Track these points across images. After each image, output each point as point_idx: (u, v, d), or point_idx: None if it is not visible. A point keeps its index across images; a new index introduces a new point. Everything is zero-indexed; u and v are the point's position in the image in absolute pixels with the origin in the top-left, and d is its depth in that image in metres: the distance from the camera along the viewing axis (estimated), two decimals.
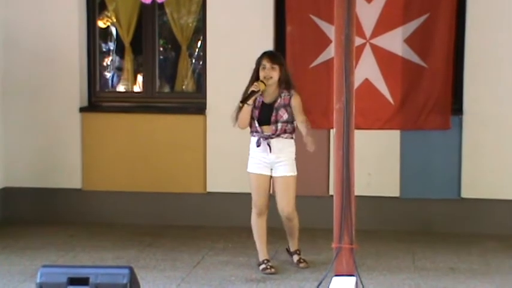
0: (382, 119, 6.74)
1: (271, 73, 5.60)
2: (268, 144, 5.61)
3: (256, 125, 5.63)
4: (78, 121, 7.22)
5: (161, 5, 7.00)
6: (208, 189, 7.12)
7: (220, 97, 7.01)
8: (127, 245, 6.38)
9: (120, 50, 7.89)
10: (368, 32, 6.66)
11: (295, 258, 5.86)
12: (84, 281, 3.72)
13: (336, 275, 4.65)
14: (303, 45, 6.80)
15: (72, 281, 3.72)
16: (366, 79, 6.69)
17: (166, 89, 7.80)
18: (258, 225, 5.75)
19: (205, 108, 7.08)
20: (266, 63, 5.61)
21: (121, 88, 8.05)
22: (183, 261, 5.97)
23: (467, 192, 6.73)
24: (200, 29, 7.29)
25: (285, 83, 5.66)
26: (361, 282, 4.67)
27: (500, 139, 6.70)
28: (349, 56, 4.56)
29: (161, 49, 7.79)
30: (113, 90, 8.11)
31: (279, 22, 6.94)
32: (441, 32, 6.55)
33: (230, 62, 6.95)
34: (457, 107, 6.72)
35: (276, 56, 5.71)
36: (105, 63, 8.20)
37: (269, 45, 6.93)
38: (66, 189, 7.23)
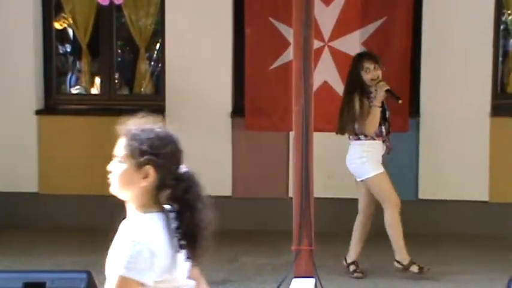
0: None
1: (377, 73, 5.50)
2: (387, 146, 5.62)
3: (383, 129, 5.56)
4: (35, 124, 7.12)
5: (119, 7, 6.94)
6: None
7: (180, 99, 6.98)
8: (86, 250, 6.30)
9: (77, 52, 7.80)
10: (326, 35, 6.69)
11: (415, 268, 5.52)
12: (41, 285, 3.65)
13: (296, 277, 4.66)
14: (262, 47, 6.81)
15: (28, 286, 3.65)
16: (325, 82, 6.72)
17: (125, 91, 7.74)
18: (400, 222, 5.57)
19: (164, 110, 7.04)
20: (369, 65, 5.50)
21: (78, 90, 7.96)
22: None
23: (424, 194, 6.80)
24: (159, 31, 7.25)
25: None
26: (321, 283, 4.69)
27: (457, 141, 6.78)
28: (308, 58, 4.59)
29: (119, 51, 7.72)
30: (70, 93, 8.01)
31: (238, 25, 6.94)
32: (397, 35, 6.62)
33: (189, 64, 6.92)
34: (414, 110, 6.78)
35: (375, 56, 5.60)
36: (61, 65, 8.10)
37: (228, 48, 6.93)
38: (23, 192, 7.12)
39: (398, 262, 5.53)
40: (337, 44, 6.70)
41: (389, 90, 5.44)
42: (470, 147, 6.72)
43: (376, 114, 5.45)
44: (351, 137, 5.59)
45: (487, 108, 6.71)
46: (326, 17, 6.65)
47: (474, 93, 6.65)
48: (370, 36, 6.67)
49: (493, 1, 6.64)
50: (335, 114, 6.73)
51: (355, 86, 5.52)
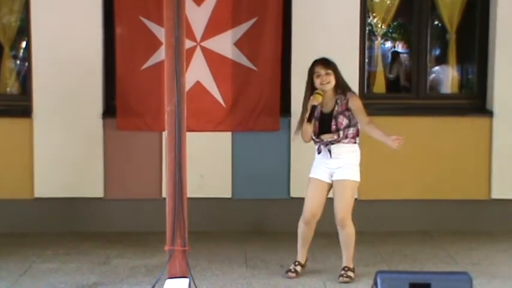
0: (214, 121, 6.81)
1: (328, 78, 5.43)
2: (329, 150, 5.45)
3: (314, 137, 5.49)
4: None
5: None
6: (36, 195, 6.87)
7: (47, 99, 6.80)
8: None
9: None
10: (198, 35, 6.70)
11: (340, 273, 5.52)
12: None
13: (170, 278, 4.65)
14: (133, 47, 6.74)
15: None
16: (198, 81, 6.74)
17: None
18: (302, 233, 5.57)
19: (31, 111, 6.83)
20: (320, 70, 5.44)
21: None
22: (9, 270, 5.71)
23: (296, 192, 6.93)
24: (24, 29, 7.01)
25: (341, 88, 5.48)
26: (194, 283, 4.70)
27: None
28: (180, 58, 4.59)
29: None
30: None
31: (108, 23, 6.82)
32: (268, 36, 6.72)
33: (57, 63, 6.75)
34: (285, 109, 6.90)
35: (328, 61, 5.50)
36: None
37: (98, 47, 6.80)
38: None
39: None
40: (210, 44, 6.73)
41: (313, 107, 5.42)
42: None
43: (304, 128, 5.47)
44: None
45: None
46: (198, 17, 6.66)
47: None
48: (242, 37, 6.73)
49: (358, 4, 6.87)
50: (208, 114, 6.79)
51: (306, 92, 5.54)
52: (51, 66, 6.76)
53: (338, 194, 5.45)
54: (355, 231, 5.50)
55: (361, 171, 5.52)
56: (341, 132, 5.45)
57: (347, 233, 5.48)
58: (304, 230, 5.59)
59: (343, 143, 5.46)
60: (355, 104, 5.46)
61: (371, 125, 5.40)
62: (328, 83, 5.46)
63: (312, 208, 5.53)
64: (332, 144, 5.46)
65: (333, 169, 5.48)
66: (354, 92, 5.55)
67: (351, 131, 5.47)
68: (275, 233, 6.78)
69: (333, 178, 5.48)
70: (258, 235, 6.82)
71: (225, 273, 5.71)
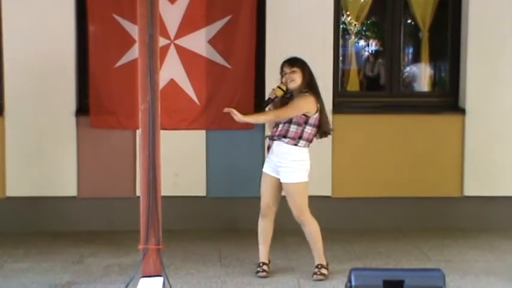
0: (188, 119, 6.80)
1: (292, 76, 5.43)
2: (269, 145, 5.51)
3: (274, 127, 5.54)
4: None
5: None
6: (8, 194, 6.81)
7: (20, 98, 6.74)
8: None
9: None
10: (172, 33, 6.69)
11: (314, 271, 5.55)
12: None
13: (143, 276, 4.63)
14: (107, 45, 6.70)
15: None
16: (172, 79, 6.72)
17: None
18: (260, 227, 5.63)
19: (3, 109, 6.77)
20: (286, 69, 5.46)
21: None
22: None
23: None
24: None
25: (307, 88, 5.44)
26: (169, 282, 4.69)
27: None
28: (154, 56, 4.56)
29: None
30: None
31: (81, 21, 6.77)
32: (243, 34, 6.72)
33: (29, 61, 6.69)
34: (259, 107, 6.90)
35: (294, 59, 5.50)
36: None
37: (71, 45, 6.76)
38: None
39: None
40: (183, 41, 6.71)
41: (268, 100, 5.48)
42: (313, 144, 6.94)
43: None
44: None
45: (329, 105, 6.95)
46: (172, 15, 6.64)
47: None
48: (217, 34, 6.72)
49: (332, 3, 6.89)
50: (182, 112, 6.77)
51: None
52: (23, 64, 6.70)
53: (286, 195, 5.53)
54: (319, 227, 5.54)
55: (312, 170, 5.56)
56: (280, 125, 5.46)
57: (308, 230, 5.54)
58: (262, 224, 5.64)
59: (283, 142, 5.44)
60: (296, 99, 5.43)
61: (270, 112, 5.48)
62: (293, 81, 5.46)
63: (266, 201, 5.60)
64: (274, 140, 5.49)
65: (275, 165, 5.50)
66: (313, 94, 5.44)
67: (293, 129, 5.42)
68: (249, 231, 6.75)
69: (280, 179, 5.51)
70: (233, 233, 6.82)
71: (200, 271, 5.71)
